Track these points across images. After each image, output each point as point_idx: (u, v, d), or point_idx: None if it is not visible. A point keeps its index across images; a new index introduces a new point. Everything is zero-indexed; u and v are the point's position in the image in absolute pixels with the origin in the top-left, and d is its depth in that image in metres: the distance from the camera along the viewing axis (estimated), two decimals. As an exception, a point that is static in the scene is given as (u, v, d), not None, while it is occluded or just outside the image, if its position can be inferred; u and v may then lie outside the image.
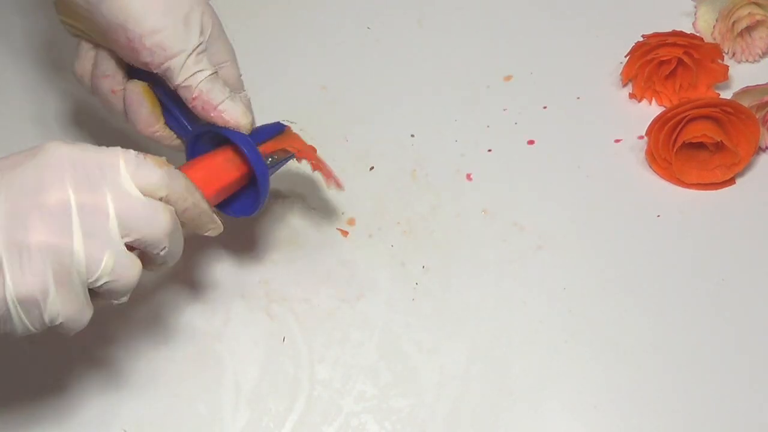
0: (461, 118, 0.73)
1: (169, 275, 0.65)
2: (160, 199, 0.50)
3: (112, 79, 0.60)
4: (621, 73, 0.74)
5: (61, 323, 0.47)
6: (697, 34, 0.74)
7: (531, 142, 0.72)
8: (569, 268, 0.65)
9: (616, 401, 0.60)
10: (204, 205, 0.53)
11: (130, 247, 0.49)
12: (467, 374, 0.61)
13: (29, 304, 0.46)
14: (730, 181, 0.69)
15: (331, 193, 0.68)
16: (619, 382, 0.61)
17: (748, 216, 0.67)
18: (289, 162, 0.62)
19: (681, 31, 0.71)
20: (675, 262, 0.65)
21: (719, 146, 0.68)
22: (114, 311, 0.63)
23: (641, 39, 0.72)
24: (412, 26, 0.79)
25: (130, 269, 0.49)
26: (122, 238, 0.48)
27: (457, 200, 0.69)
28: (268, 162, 0.59)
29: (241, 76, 0.61)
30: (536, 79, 0.75)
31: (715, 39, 0.74)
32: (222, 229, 0.56)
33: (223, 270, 0.66)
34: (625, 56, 0.73)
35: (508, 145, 0.72)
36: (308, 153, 0.61)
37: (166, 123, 0.61)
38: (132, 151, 0.49)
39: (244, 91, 0.61)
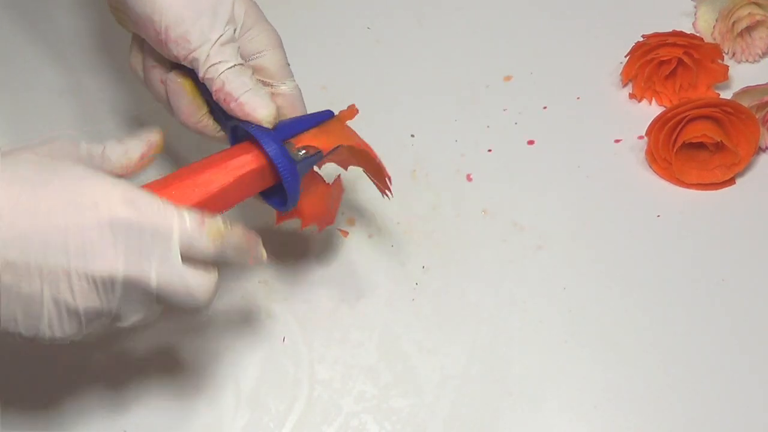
0: (461, 118, 0.73)
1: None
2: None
3: (160, 69, 0.59)
4: (621, 73, 0.74)
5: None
6: (697, 34, 0.74)
7: (531, 142, 0.72)
8: (569, 268, 0.65)
9: (616, 401, 0.60)
10: (259, 252, 0.52)
11: None
12: (467, 374, 0.61)
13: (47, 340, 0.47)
14: (730, 181, 0.69)
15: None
16: (619, 382, 0.61)
17: (748, 216, 0.67)
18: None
19: (681, 31, 0.71)
20: (675, 262, 0.65)
21: (719, 146, 0.68)
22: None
23: (641, 39, 0.72)
24: (412, 26, 0.79)
25: (153, 316, 0.50)
26: (158, 301, 0.49)
27: (457, 200, 0.69)
28: (301, 155, 0.56)
29: (288, 65, 0.59)
30: (536, 79, 0.75)
31: (715, 39, 0.74)
32: (264, 258, 0.53)
33: (223, 270, 0.66)
34: (625, 56, 0.73)
35: (508, 145, 0.72)
36: (351, 144, 0.58)
37: (214, 116, 0.59)
38: (187, 217, 0.48)
39: (293, 80, 0.59)
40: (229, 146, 0.59)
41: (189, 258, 0.48)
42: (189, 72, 0.58)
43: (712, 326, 0.63)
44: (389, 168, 0.70)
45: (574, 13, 0.79)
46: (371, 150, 0.59)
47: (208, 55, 0.55)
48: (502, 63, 0.76)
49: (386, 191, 0.61)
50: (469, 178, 0.70)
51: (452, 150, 0.71)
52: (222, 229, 0.49)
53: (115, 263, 0.45)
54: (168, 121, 0.60)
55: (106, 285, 0.46)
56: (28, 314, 0.45)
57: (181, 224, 0.47)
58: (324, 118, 0.58)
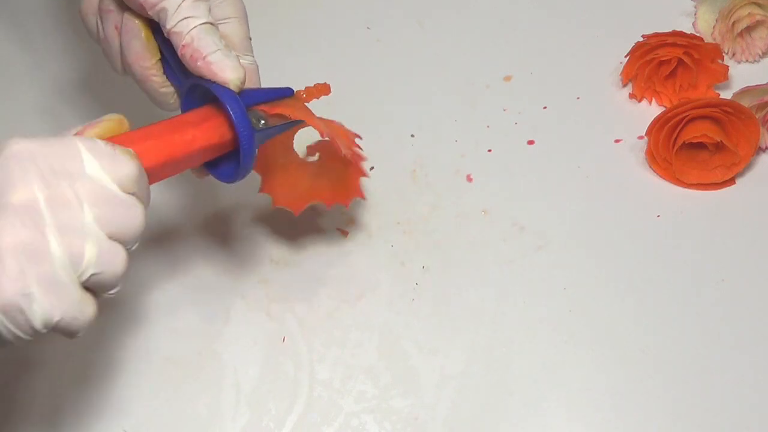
0: (461, 118, 0.73)
1: (169, 275, 0.65)
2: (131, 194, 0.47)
3: (115, 14, 0.57)
4: (621, 73, 0.74)
5: (58, 323, 0.44)
6: (697, 34, 0.74)
7: (531, 142, 0.72)
8: (569, 268, 0.65)
9: (616, 401, 0.60)
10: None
11: None
12: (467, 374, 0.61)
13: (12, 310, 0.42)
14: (730, 181, 0.69)
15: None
16: (619, 381, 0.61)
17: (748, 216, 0.67)
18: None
19: (681, 31, 0.71)
20: (675, 262, 0.65)
21: (719, 146, 0.68)
22: (114, 311, 0.63)
23: (641, 39, 0.72)
24: (413, 26, 0.79)
25: (116, 256, 0.45)
26: (98, 229, 0.45)
27: (457, 200, 0.69)
28: (261, 125, 0.54)
29: (249, 39, 0.58)
30: (536, 79, 0.75)
31: (715, 39, 0.74)
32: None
33: (223, 270, 0.66)
34: (625, 56, 0.73)
35: (508, 145, 0.72)
36: (314, 121, 0.56)
37: (165, 74, 0.57)
38: (100, 141, 0.46)
39: (251, 55, 0.58)
40: (176, 110, 0.58)
41: (115, 181, 0.46)
42: (147, 21, 0.56)
43: (712, 326, 0.63)
44: (389, 167, 0.70)
45: (574, 13, 0.79)
46: (328, 127, 0.57)
47: (179, 7, 0.53)
48: (502, 63, 0.76)
49: (356, 161, 0.59)
50: (469, 178, 0.70)
51: (452, 150, 0.71)
52: (135, 154, 0.47)
53: (30, 188, 0.43)
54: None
55: (29, 212, 0.43)
56: None
57: (91, 145, 0.45)
58: (283, 94, 0.57)
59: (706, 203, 0.68)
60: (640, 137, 0.70)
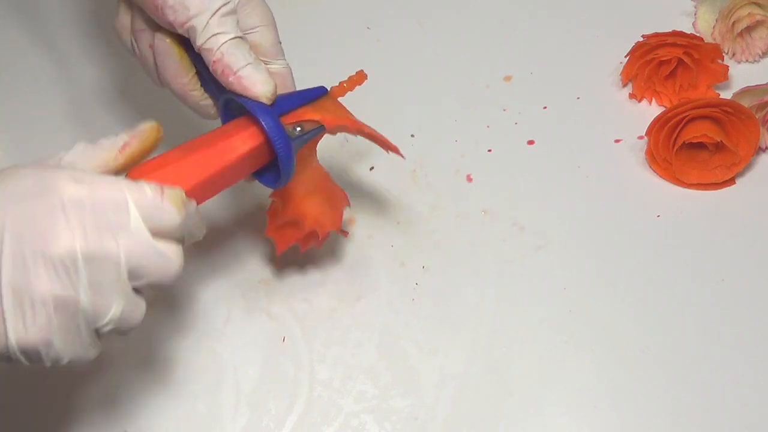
0: (461, 118, 0.73)
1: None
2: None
3: (149, 33, 0.57)
4: (621, 73, 0.74)
5: (65, 364, 0.46)
6: (697, 34, 0.74)
7: (531, 142, 0.72)
8: (569, 268, 0.65)
9: (616, 401, 0.60)
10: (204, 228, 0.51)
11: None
12: (467, 374, 0.61)
13: (31, 352, 0.44)
14: (730, 181, 0.69)
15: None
16: (619, 381, 0.61)
17: (748, 216, 0.67)
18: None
19: (681, 31, 0.71)
20: (675, 262, 0.65)
21: (719, 146, 0.68)
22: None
23: (641, 39, 0.72)
24: (413, 26, 0.79)
25: (137, 311, 0.47)
26: (131, 282, 0.46)
27: (457, 200, 0.69)
28: (297, 132, 0.55)
29: (279, 43, 0.59)
30: (536, 79, 0.75)
31: (715, 39, 0.74)
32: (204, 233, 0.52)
33: (223, 270, 0.66)
34: (625, 56, 0.73)
35: (508, 145, 0.72)
36: (345, 123, 0.57)
37: (204, 88, 0.58)
38: (147, 189, 0.46)
39: (283, 59, 0.58)
40: (217, 118, 0.58)
41: (156, 231, 0.46)
42: (178, 38, 0.57)
43: (711, 326, 0.63)
44: (389, 167, 0.70)
45: (574, 13, 0.79)
46: (365, 128, 0.58)
47: (207, 25, 0.54)
48: (502, 63, 0.76)
49: (397, 153, 0.60)
50: (469, 178, 0.70)
51: (452, 150, 0.71)
52: (184, 198, 0.48)
53: (71, 241, 0.43)
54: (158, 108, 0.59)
55: (66, 266, 0.43)
56: None
57: (139, 195, 0.46)
58: (317, 94, 0.57)
59: (706, 203, 0.68)
60: (640, 137, 0.70)
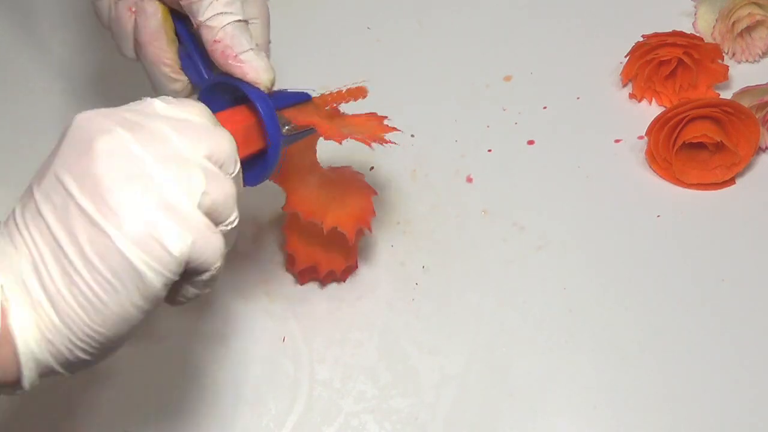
0: (461, 118, 0.73)
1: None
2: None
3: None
4: (621, 73, 0.74)
5: (192, 252, 0.41)
6: (697, 34, 0.74)
7: (531, 142, 0.72)
8: (569, 268, 0.65)
9: (615, 401, 0.60)
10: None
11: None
12: (467, 374, 0.61)
13: (144, 238, 0.40)
14: (730, 181, 0.69)
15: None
16: (619, 382, 0.61)
17: (748, 216, 0.67)
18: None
19: (681, 31, 0.71)
20: (675, 262, 0.65)
21: (719, 146, 0.68)
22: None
23: (641, 39, 0.72)
24: (412, 26, 0.79)
25: (221, 179, 0.43)
26: (195, 154, 0.43)
27: (457, 200, 0.69)
28: (285, 130, 0.53)
29: (269, 42, 0.57)
30: (536, 79, 0.75)
31: (715, 39, 0.74)
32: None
33: (223, 270, 0.66)
34: (625, 56, 0.73)
35: (508, 145, 0.72)
36: (328, 131, 0.55)
37: (182, 67, 0.56)
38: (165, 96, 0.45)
39: (269, 59, 0.56)
40: (181, 96, 0.56)
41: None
42: (168, 7, 0.55)
43: (711, 326, 0.63)
44: (389, 167, 0.70)
45: (574, 13, 0.79)
46: (341, 136, 0.55)
47: (213, 2, 0.52)
48: (502, 63, 0.76)
49: (384, 142, 0.58)
50: (469, 178, 0.70)
51: (452, 150, 0.71)
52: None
53: (115, 134, 0.41)
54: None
55: (122, 154, 0.41)
56: None
57: (157, 97, 0.45)
58: (301, 99, 0.56)
59: (706, 203, 0.68)
60: (640, 137, 0.70)
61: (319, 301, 0.64)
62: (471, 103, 0.74)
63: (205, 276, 0.44)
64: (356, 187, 0.62)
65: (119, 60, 0.58)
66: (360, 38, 0.78)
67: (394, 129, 0.58)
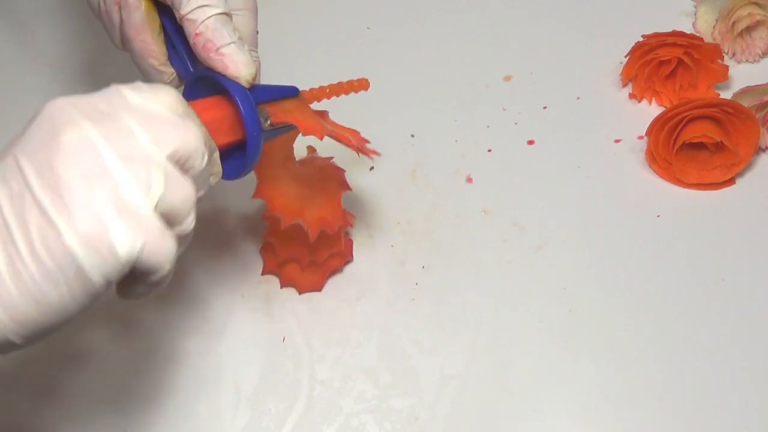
0: (461, 118, 0.73)
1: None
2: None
3: None
4: (621, 73, 0.74)
5: (141, 254, 0.41)
6: (697, 34, 0.74)
7: (531, 142, 0.72)
8: (569, 268, 0.65)
9: (615, 401, 0.60)
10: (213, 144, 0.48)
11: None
12: (467, 374, 0.61)
13: (92, 239, 0.40)
14: (730, 181, 0.69)
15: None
16: (619, 382, 0.61)
17: (748, 216, 0.67)
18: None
19: (681, 31, 0.71)
20: (675, 262, 0.65)
21: (719, 146, 0.68)
22: (114, 311, 0.63)
23: (641, 39, 0.72)
24: (412, 26, 0.79)
25: (181, 180, 0.43)
26: (160, 153, 0.43)
27: (457, 200, 0.69)
28: (267, 124, 0.53)
29: (257, 33, 0.57)
30: (536, 79, 0.75)
31: (715, 39, 0.75)
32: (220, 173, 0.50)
33: (223, 270, 0.66)
34: (625, 56, 0.73)
35: (508, 145, 0.72)
36: (313, 128, 0.54)
37: (170, 60, 0.56)
38: (138, 82, 0.45)
39: (256, 51, 0.56)
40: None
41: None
42: (153, 1, 0.55)
43: (711, 326, 0.63)
44: (389, 167, 0.70)
45: (574, 13, 0.79)
46: (323, 132, 0.55)
47: None
48: (502, 63, 0.76)
49: (369, 155, 0.57)
50: (469, 178, 0.70)
51: (452, 150, 0.71)
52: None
53: (81, 126, 0.41)
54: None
55: (87, 149, 0.41)
56: None
57: (129, 85, 0.44)
58: (288, 93, 0.56)
59: (706, 203, 0.68)
60: (640, 137, 0.70)
61: (319, 301, 0.64)
62: (471, 103, 0.74)
63: (154, 277, 0.43)
64: (329, 185, 0.61)
65: (113, 52, 0.58)
66: (360, 38, 0.78)
67: (374, 152, 0.58)
